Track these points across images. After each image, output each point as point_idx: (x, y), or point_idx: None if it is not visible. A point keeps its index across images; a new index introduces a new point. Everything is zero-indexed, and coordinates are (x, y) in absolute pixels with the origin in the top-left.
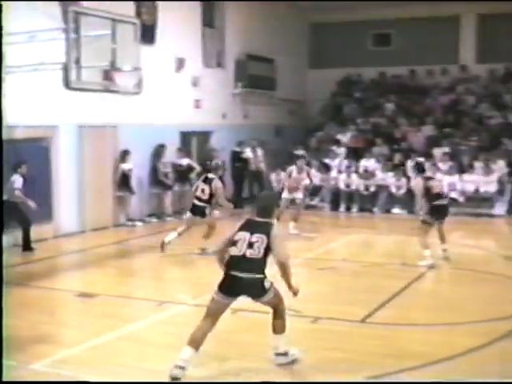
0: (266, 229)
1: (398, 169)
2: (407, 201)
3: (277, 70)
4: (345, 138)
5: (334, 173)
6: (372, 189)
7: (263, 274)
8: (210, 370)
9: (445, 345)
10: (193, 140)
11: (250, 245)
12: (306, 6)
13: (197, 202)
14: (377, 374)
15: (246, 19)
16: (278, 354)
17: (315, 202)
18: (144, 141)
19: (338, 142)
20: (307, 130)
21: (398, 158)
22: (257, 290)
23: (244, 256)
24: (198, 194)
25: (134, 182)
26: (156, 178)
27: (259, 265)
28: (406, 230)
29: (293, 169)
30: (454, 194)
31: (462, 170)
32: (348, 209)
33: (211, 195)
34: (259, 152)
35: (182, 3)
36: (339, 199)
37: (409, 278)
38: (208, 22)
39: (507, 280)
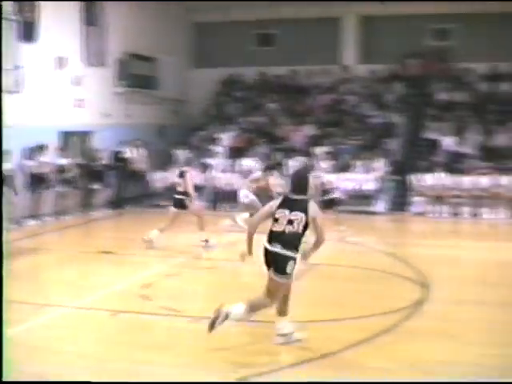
0: (303, 206)
1: (279, 168)
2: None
3: (159, 70)
4: (226, 137)
5: (215, 172)
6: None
7: (294, 252)
8: (91, 372)
9: (327, 341)
10: (75, 140)
11: (290, 222)
12: (189, 6)
13: (176, 196)
14: (257, 371)
15: (128, 18)
16: (279, 335)
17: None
18: (25, 140)
19: (219, 142)
20: (190, 129)
21: (279, 157)
22: (279, 267)
23: (283, 232)
24: (176, 187)
25: (15, 183)
26: (32, 178)
27: (294, 241)
28: None
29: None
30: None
31: (343, 168)
32: (229, 208)
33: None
34: (141, 152)
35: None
36: (220, 198)
37: None
38: (90, 20)
39: (388, 276)
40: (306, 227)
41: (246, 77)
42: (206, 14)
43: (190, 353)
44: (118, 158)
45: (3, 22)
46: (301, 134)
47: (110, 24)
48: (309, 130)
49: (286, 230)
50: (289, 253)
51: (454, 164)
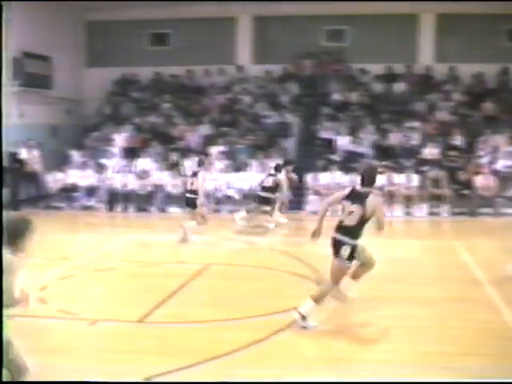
0: (363, 199)
1: (175, 168)
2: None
3: (53, 69)
4: (121, 137)
5: (110, 173)
6: (149, 188)
7: (351, 239)
8: None
9: (224, 341)
10: None
11: (350, 213)
12: (82, 4)
13: (188, 195)
14: (156, 373)
15: (22, 16)
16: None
17: (92, 202)
18: None
19: (113, 142)
20: (84, 129)
21: (174, 157)
22: (336, 250)
23: (343, 222)
24: (188, 187)
25: None
26: None
27: (351, 231)
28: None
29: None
30: (230, 192)
31: (238, 168)
32: (125, 209)
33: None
34: (35, 152)
35: None
36: (116, 199)
37: (186, 276)
38: None
39: (285, 274)
40: (362, 220)
41: (140, 77)
42: (99, 12)
43: (90, 355)
44: (14, 159)
45: None
46: (196, 133)
47: (4, 21)
48: (204, 130)
49: (345, 221)
50: (345, 239)
51: (350, 163)
